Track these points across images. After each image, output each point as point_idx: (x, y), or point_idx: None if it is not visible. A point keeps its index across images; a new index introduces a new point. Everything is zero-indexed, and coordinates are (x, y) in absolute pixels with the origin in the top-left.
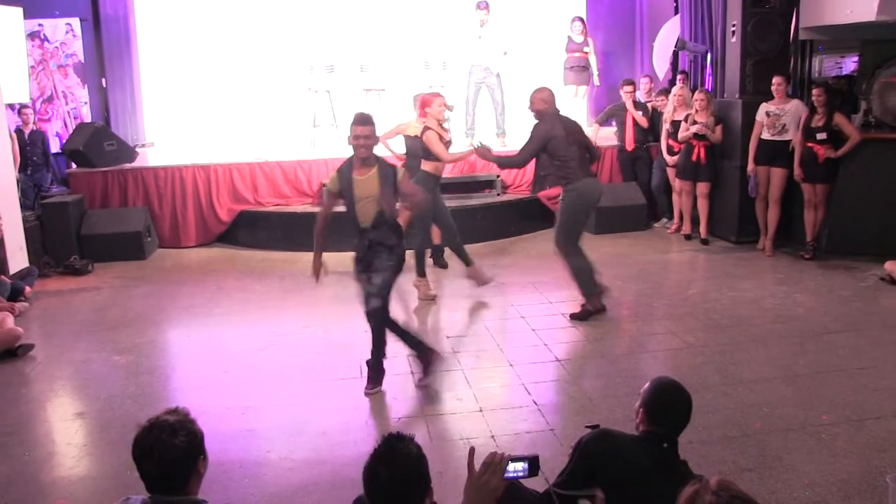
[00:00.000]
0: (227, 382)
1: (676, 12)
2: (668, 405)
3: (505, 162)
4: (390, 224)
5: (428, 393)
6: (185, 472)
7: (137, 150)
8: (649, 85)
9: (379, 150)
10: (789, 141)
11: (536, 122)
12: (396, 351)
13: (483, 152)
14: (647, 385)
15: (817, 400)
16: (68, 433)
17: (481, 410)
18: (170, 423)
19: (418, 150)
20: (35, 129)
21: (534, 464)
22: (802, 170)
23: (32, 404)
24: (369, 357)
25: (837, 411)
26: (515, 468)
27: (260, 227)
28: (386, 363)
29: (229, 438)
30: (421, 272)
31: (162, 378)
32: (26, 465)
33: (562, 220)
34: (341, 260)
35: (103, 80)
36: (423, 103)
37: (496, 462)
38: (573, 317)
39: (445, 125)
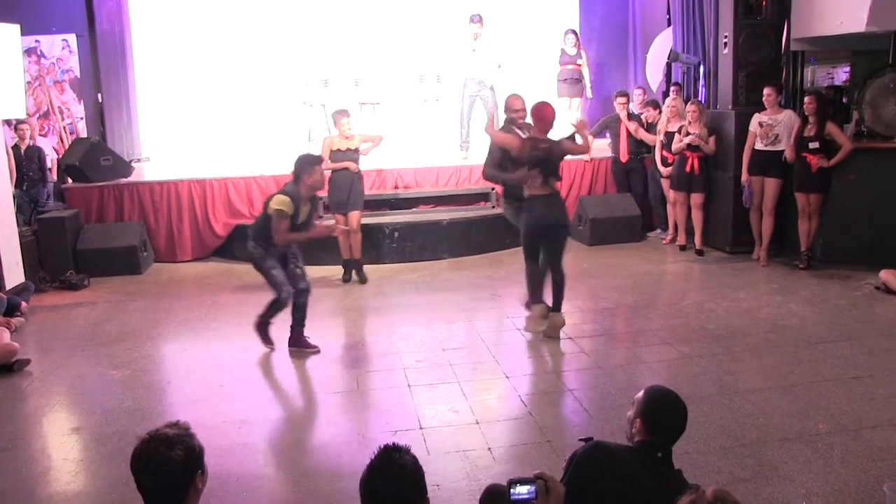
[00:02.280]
0: (224, 396)
1: (669, 24)
2: (663, 414)
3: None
4: None
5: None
6: (182, 486)
7: (133, 164)
8: (642, 96)
9: None
10: (782, 151)
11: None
12: (392, 364)
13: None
14: (640, 394)
15: (813, 409)
16: (65, 448)
17: (478, 422)
18: (168, 436)
19: (348, 162)
20: (31, 144)
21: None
22: (796, 179)
23: (29, 419)
24: (294, 332)
25: (833, 421)
26: (520, 491)
27: None
28: (382, 376)
29: (226, 452)
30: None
31: (158, 392)
32: (23, 481)
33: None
34: (340, 272)
35: (99, 95)
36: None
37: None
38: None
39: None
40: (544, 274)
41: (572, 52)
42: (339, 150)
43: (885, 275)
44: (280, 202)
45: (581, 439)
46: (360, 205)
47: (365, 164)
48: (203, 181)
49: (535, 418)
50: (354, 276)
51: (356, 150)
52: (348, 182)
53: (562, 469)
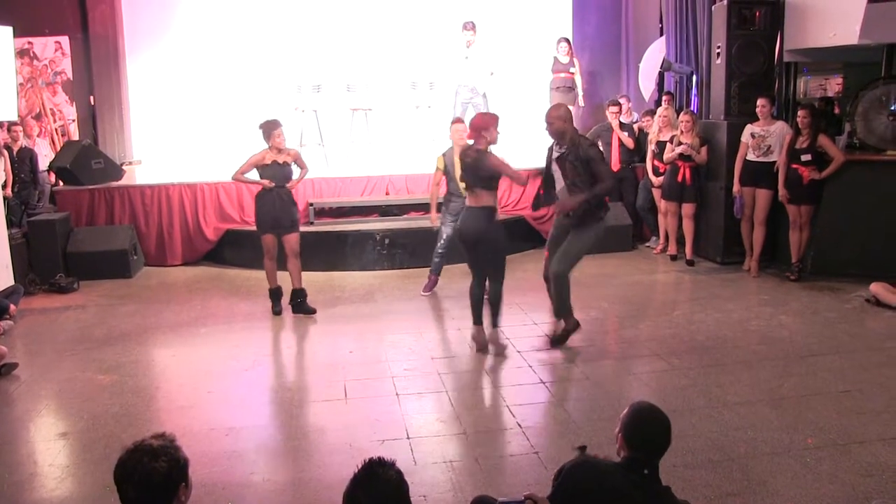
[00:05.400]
0: (211, 403)
1: (662, 34)
2: (646, 430)
3: (598, 194)
4: None
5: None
6: (165, 497)
7: (124, 168)
8: (627, 105)
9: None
10: (774, 162)
11: (583, 140)
12: (380, 373)
13: (563, 206)
14: (625, 410)
15: (802, 423)
16: (51, 453)
17: (465, 433)
18: (153, 447)
19: (282, 177)
20: (24, 146)
21: None
22: (787, 191)
23: (15, 424)
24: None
25: (822, 435)
26: None
27: (246, 246)
28: (370, 384)
29: (213, 460)
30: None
31: (146, 398)
32: (8, 486)
33: (581, 246)
34: (329, 279)
35: (91, 97)
36: (479, 126)
37: None
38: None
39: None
40: (478, 293)
41: (565, 60)
42: (267, 164)
43: (875, 288)
44: (437, 159)
45: (576, 448)
46: (296, 226)
47: (356, 170)
48: (194, 185)
49: (524, 429)
50: (289, 306)
51: (288, 166)
52: (277, 202)
53: (550, 482)
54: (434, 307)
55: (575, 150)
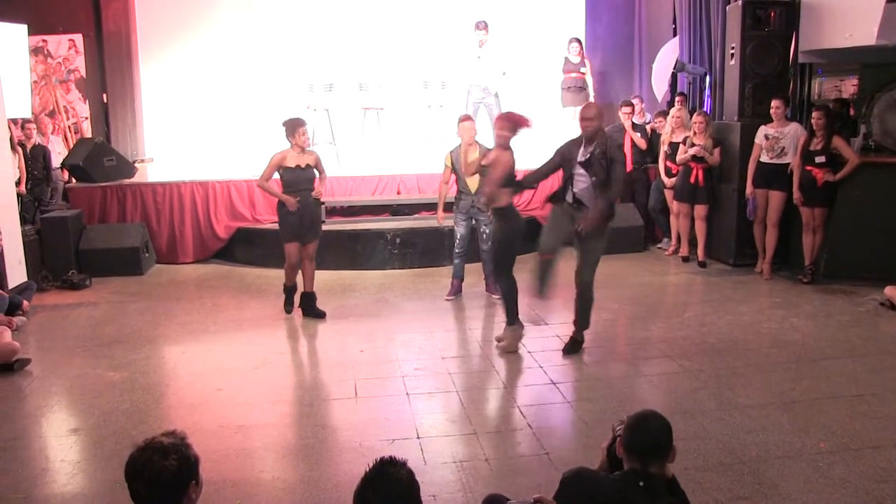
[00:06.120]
0: (221, 401)
1: (675, 34)
2: (643, 426)
3: (610, 199)
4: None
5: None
6: (175, 495)
7: (137, 165)
8: (640, 105)
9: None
10: (788, 164)
11: (611, 141)
12: (390, 372)
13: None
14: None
15: (814, 427)
16: (62, 449)
17: (475, 433)
18: (163, 445)
19: (305, 180)
20: (37, 143)
21: None
22: (801, 193)
23: (28, 420)
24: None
25: (835, 439)
26: None
27: (257, 245)
28: (380, 384)
29: (222, 458)
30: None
31: (156, 395)
32: (20, 482)
33: (597, 252)
34: (340, 278)
35: (104, 95)
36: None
37: None
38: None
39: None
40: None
41: (576, 60)
42: (289, 167)
43: (890, 291)
44: (445, 157)
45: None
46: (318, 233)
47: (367, 169)
48: (206, 183)
49: (534, 430)
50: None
51: (310, 168)
52: (301, 211)
53: (560, 483)
54: (445, 307)
55: (604, 150)
